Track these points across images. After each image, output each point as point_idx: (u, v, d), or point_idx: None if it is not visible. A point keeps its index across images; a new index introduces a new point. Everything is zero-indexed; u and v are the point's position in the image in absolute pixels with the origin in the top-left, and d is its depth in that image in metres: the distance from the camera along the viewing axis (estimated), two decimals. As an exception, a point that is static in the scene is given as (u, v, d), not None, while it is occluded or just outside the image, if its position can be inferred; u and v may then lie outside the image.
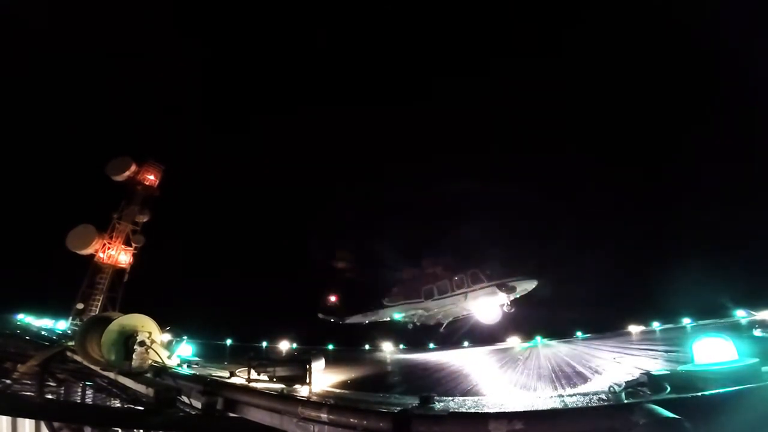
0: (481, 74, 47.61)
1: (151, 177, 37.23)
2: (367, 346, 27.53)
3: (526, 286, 19.68)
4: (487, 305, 20.49)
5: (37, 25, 37.94)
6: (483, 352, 21.31)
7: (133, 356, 8.78)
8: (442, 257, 23.01)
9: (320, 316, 25.73)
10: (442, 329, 23.08)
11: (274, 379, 8.74)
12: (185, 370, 9.44)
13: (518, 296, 19.90)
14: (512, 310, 19.89)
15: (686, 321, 21.16)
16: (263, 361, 9.51)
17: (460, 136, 48.90)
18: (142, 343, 8.97)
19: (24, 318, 24.56)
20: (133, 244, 35.04)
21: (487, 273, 20.46)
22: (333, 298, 26.00)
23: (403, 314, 23.22)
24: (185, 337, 11.86)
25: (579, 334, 23.61)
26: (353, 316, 25.17)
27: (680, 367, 5.15)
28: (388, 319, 24.03)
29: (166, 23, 41.59)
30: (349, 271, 25.85)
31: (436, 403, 4.64)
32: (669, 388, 4.52)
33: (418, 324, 23.48)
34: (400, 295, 23.76)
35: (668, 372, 5.01)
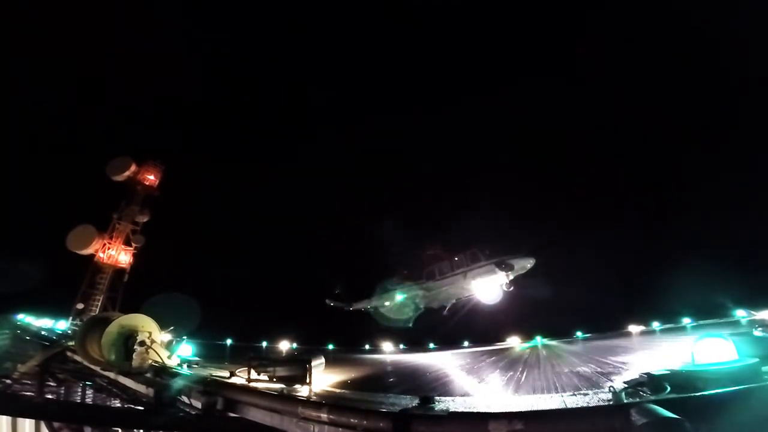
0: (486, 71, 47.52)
1: (151, 177, 37.15)
2: (367, 346, 27.65)
3: (524, 264, 19.82)
4: (486, 285, 20.68)
5: (34, 22, 37.82)
6: (483, 352, 21.36)
7: (133, 356, 8.80)
8: (444, 239, 23.40)
9: (327, 301, 26.21)
10: (445, 312, 23.20)
11: (274, 379, 8.75)
12: (185, 370, 9.44)
13: (517, 275, 19.95)
14: (511, 289, 19.92)
15: (686, 321, 21.21)
16: (263, 361, 9.52)
17: (467, 128, 48.76)
18: (142, 343, 8.99)
19: (24, 318, 24.53)
20: (133, 244, 34.97)
21: (486, 252, 20.75)
22: (340, 285, 26.60)
23: (406, 296, 23.41)
24: (185, 337, 11.87)
25: (579, 334, 23.70)
26: (359, 302, 25.51)
27: (680, 367, 5.16)
28: (390, 302, 24.17)
29: (171, 20, 41.29)
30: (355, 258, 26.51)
31: (436, 403, 4.64)
32: (669, 388, 4.52)
33: (421, 308, 23.63)
34: (402, 277, 24.07)
35: (668, 372, 5.01)
